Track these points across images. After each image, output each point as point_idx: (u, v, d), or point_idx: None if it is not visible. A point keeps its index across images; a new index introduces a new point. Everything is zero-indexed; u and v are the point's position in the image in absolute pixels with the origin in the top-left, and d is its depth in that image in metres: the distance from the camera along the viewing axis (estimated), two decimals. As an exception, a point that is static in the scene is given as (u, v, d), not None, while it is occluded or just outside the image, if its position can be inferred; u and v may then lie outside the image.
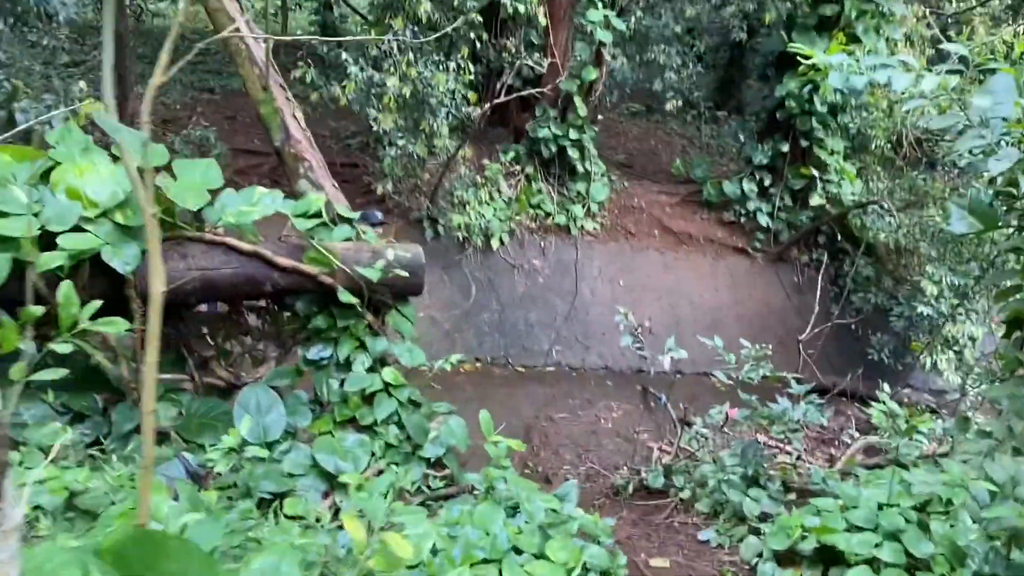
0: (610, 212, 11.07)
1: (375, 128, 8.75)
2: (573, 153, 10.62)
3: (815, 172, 11.28)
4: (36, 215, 3.07)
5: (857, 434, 7.98)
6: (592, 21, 10.31)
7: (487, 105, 9.21)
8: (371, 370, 3.73)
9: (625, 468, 7.77)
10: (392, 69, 8.54)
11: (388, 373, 3.68)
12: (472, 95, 9.28)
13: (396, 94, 8.55)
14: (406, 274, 3.57)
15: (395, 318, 3.87)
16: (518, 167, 10.77)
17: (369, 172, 10.54)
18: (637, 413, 8.88)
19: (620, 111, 16.77)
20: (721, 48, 16.99)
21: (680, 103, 11.28)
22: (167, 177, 3.40)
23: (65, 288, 2.95)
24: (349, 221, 3.98)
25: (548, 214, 10.51)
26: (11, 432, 3.17)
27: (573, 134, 10.55)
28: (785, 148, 11.26)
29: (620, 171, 12.12)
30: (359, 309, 3.65)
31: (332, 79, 8.88)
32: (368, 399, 3.65)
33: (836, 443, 8.02)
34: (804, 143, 11.17)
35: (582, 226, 10.58)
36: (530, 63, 10.20)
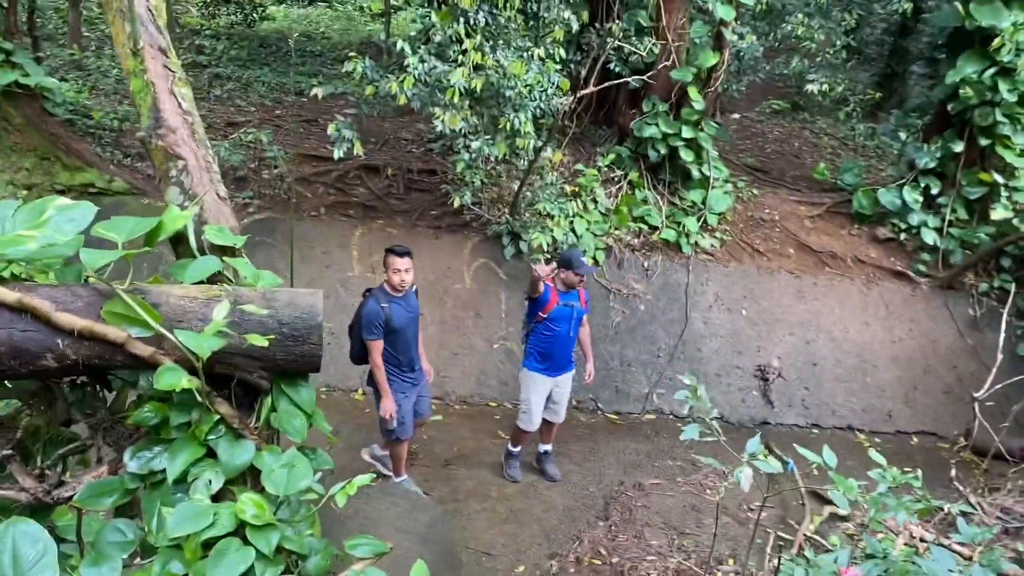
0: (733, 226, 9.20)
1: (440, 128, 7.36)
2: (686, 155, 8.85)
3: (998, 178, 8.98)
4: None
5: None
6: (711, -4, 8.54)
7: (573, 97, 7.62)
8: (222, 496, 2.28)
9: (731, 563, 6.00)
10: (460, 59, 7.14)
11: (248, 503, 2.20)
12: (565, 83, 7.73)
13: (464, 88, 7.15)
14: (264, 342, 2.08)
15: (281, 409, 2.39)
16: (620, 172, 9.12)
17: (448, 180, 9.21)
18: (757, 482, 7.05)
19: (760, 109, 14.71)
20: (880, 33, 14.53)
21: (825, 87, 9.22)
22: None
23: None
24: (228, 251, 2.55)
25: (654, 228, 8.79)
26: None
27: (687, 132, 8.78)
28: (958, 148, 9.03)
29: (749, 177, 10.20)
30: (198, 398, 2.20)
31: (390, 72, 7.57)
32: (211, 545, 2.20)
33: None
34: (984, 141, 8.89)
35: (696, 243, 8.78)
36: (637, 48, 8.53)
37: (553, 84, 7.64)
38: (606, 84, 8.11)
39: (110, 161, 8.79)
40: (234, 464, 2.30)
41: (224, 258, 2.51)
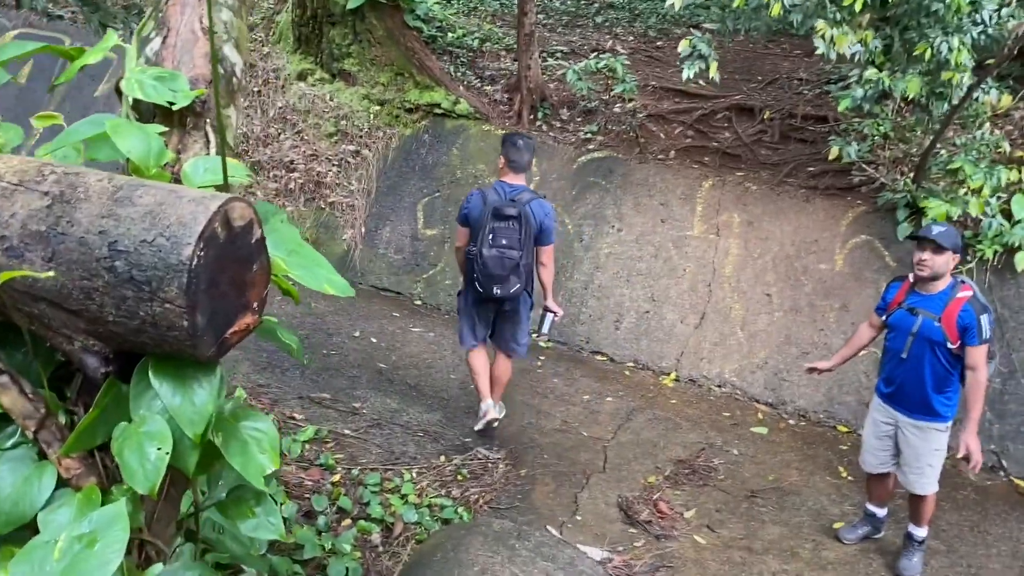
0: None
1: (821, 50, 5.49)
2: None
3: None
4: None
5: None
6: None
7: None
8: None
9: None
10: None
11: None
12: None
13: (869, -5, 5.21)
14: (42, 272, 0.87)
15: (139, 418, 1.17)
16: (1102, 135, 6.26)
17: (839, 129, 7.19)
18: None
19: None
20: None
21: None
22: None
23: None
24: (169, 115, 1.37)
25: None
26: None
27: None
28: None
29: None
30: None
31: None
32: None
33: None
34: None
35: None
36: None
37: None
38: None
39: (460, 82, 8.29)
40: (9, 508, 1.14)
41: (112, 118, 1.33)
